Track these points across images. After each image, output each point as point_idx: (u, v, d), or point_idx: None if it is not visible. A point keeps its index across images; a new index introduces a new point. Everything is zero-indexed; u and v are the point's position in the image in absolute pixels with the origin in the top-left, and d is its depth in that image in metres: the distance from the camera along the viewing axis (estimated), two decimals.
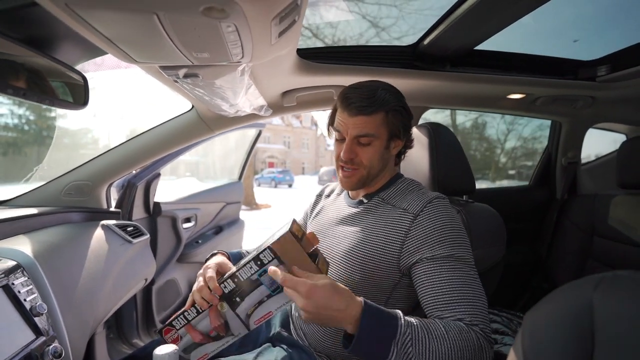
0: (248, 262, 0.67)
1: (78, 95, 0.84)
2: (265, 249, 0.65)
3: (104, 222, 1.26)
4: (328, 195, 1.07)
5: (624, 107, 1.57)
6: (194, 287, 0.73)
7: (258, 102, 1.16)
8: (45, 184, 1.30)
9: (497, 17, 0.91)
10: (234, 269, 0.70)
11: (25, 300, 0.73)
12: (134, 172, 1.57)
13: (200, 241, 2.04)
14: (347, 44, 1.69)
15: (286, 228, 0.64)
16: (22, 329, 0.70)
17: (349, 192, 0.96)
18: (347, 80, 1.00)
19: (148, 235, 1.42)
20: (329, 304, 0.59)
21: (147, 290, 1.70)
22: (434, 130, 1.04)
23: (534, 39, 1.41)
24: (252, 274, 0.66)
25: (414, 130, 1.11)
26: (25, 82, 0.70)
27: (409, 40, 1.17)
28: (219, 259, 0.83)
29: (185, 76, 0.79)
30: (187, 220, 1.93)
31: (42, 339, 0.72)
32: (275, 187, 21.39)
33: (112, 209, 1.45)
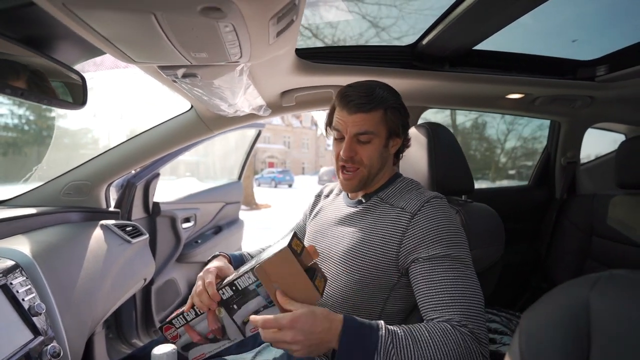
0: (246, 272, 0.67)
1: (76, 95, 0.84)
2: (258, 267, 0.64)
3: (103, 222, 1.26)
4: (327, 196, 1.07)
5: (622, 107, 1.57)
6: (194, 290, 0.74)
7: (257, 102, 1.16)
8: (44, 183, 1.30)
9: (496, 17, 0.91)
10: (233, 276, 0.71)
11: (23, 300, 0.73)
12: (133, 172, 1.57)
13: (199, 241, 2.04)
14: (347, 44, 1.68)
15: (286, 241, 0.64)
16: (20, 329, 0.70)
17: (348, 193, 0.96)
18: (346, 80, 1.00)
19: (147, 235, 1.42)
20: (313, 328, 0.59)
21: (146, 290, 1.70)
22: (433, 130, 1.04)
23: (533, 38, 1.41)
24: (249, 284, 0.67)
25: (413, 130, 1.11)
26: (24, 82, 0.70)
27: (409, 40, 1.17)
28: (220, 262, 0.84)
29: (184, 76, 0.79)
30: (187, 220, 1.93)
31: (41, 338, 0.72)
32: (275, 187, 21.39)
33: (111, 208, 1.45)
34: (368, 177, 0.86)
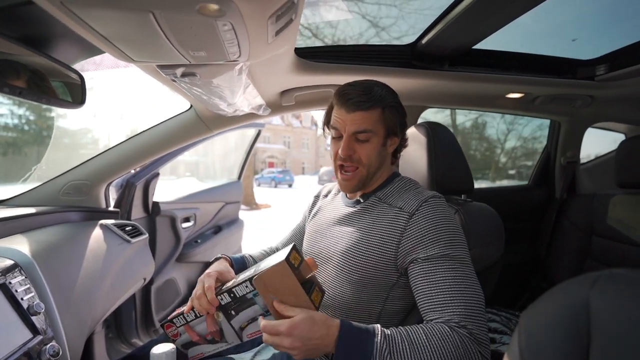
0: (244, 281, 0.68)
1: (75, 94, 0.84)
2: (256, 278, 0.65)
3: (103, 221, 1.26)
4: (325, 196, 1.07)
5: (622, 106, 1.57)
6: (194, 293, 0.76)
7: (256, 102, 1.16)
8: (44, 183, 1.30)
9: (495, 16, 0.91)
10: (232, 282, 0.73)
11: (22, 299, 0.73)
12: (132, 171, 1.57)
13: (199, 241, 2.04)
14: (347, 44, 1.68)
15: (284, 254, 0.65)
16: (19, 328, 0.70)
17: (347, 193, 0.96)
18: (346, 79, 1.00)
19: (147, 235, 1.42)
20: (311, 334, 0.60)
21: (146, 289, 1.70)
22: (433, 130, 1.04)
23: (533, 38, 1.42)
24: (247, 293, 0.68)
25: (413, 129, 1.10)
26: (23, 81, 0.70)
27: (409, 40, 1.17)
28: (221, 266, 0.85)
29: (183, 75, 0.79)
30: (186, 219, 1.93)
31: (40, 338, 0.72)
32: (275, 187, 21.39)
33: (111, 208, 1.45)
34: (367, 177, 0.86)
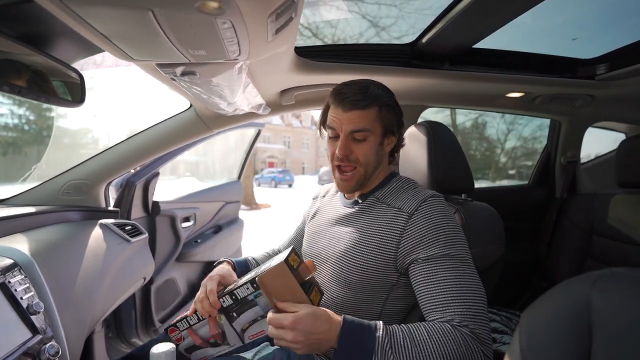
0: (245, 283, 0.70)
1: (75, 93, 0.83)
2: (254, 280, 0.68)
3: (102, 221, 1.26)
4: (324, 196, 1.07)
5: (623, 105, 1.57)
6: (197, 296, 0.77)
7: (256, 101, 1.16)
8: (44, 182, 1.30)
9: (495, 15, 0.91)
10: (233, 285, 0.75)
11: (22, 298, 0.73)
12: (132, 171, 1.57)
13: (199, 240, 2.04)
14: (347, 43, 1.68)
15: (284, 256, 0.66)
16: (18, 328, 0.70)
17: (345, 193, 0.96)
18: (346, 78, 0.99)
19: (147, 234, 1.42)
20: (313, 329, 0.61)
21: (145, 289, 1.70)
22: (433, 129, 1.04)
23: (533, 37, 1.41)
24: (248, 294, 0.70)
25: (413, 128, 1.10)
26: (22, 80, 0.70)
27: (409, 39, 1.16)
28: (224, 269, 0.86)
29: (183, 74, 0.79)
30: (186, 219, 1.93)
31: (39, 337, 0.72)
32: (275, 187, 21.39)
33: (111, 207, 1.45)
34: (365, 177, 0.85)
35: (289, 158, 36.67)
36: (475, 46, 1.12)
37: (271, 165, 32.81)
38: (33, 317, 0.73)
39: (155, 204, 1.73)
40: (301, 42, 1.00)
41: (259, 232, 5.93)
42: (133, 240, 1.30)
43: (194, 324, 0.77)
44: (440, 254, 0.72)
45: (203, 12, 0.50)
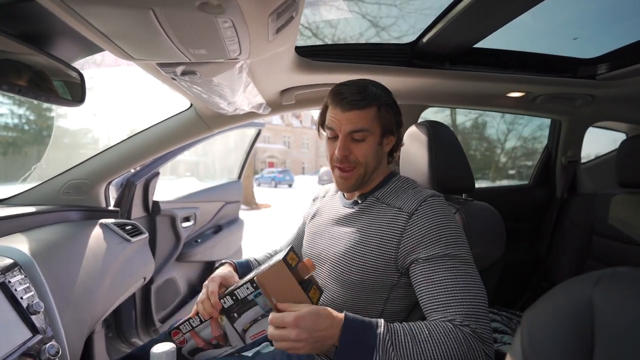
0: (245, 283, 0.71)
1: (75, 92, 0.83)
2: (253, 280, 0.68)
3: (103, 220, 1.26)
4: (323, 197, 1.07)
5: (623, 105, 1.57)
6: (199, 298, 0.78)
7: (256, 100, 1.16)
8: (44, 182, 1.29)
9: (495, 15, 0.91)
10: (234, 286, 0.75)
11: (22, 298, 0.73)
12: (132, 170, 1.57)
13: (199, 240, 2.03)
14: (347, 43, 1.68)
15: (281, 255, 0.67)
16: (18, 327, 0.70)
17: (344, 193, 0.96)
18: (346, 78, 0.99)
19: (147, 234, 1.42)
20: (316, 325, 0.61)
21: (146, 289, 1.70)
22: (433, 128, 1.03)
23: (533, 37, 1.41)
24: (248, 294, 0.71)
25: (413, 128, 1.10)
26: (22, 79, 0.70)
27: (409, 39, 1.16)
28: (225, 270, 0.86)
29: (183, 73, 0.79)
30: (186, 219, 1.93)
31: (39, 337, 0.72)
32: (275, 187, 21.39)
33: (111, 207, 1.45)
34: (364, 176, 0.85)
35: (289, 158, 36.67)
36: (475, 46, 1.12)
37: (271, 165, 32.81)
38: (33, 317, 0.73)
39: (156, 203, 1.72)
40: (301, 42, 1.00)
41: (259, 232, 5.93)
42: (133, 240, 1.30)
43: (196, 326, 0.78)
44: (440, 254, 0.72)
45: (204, 11, 0.50)
